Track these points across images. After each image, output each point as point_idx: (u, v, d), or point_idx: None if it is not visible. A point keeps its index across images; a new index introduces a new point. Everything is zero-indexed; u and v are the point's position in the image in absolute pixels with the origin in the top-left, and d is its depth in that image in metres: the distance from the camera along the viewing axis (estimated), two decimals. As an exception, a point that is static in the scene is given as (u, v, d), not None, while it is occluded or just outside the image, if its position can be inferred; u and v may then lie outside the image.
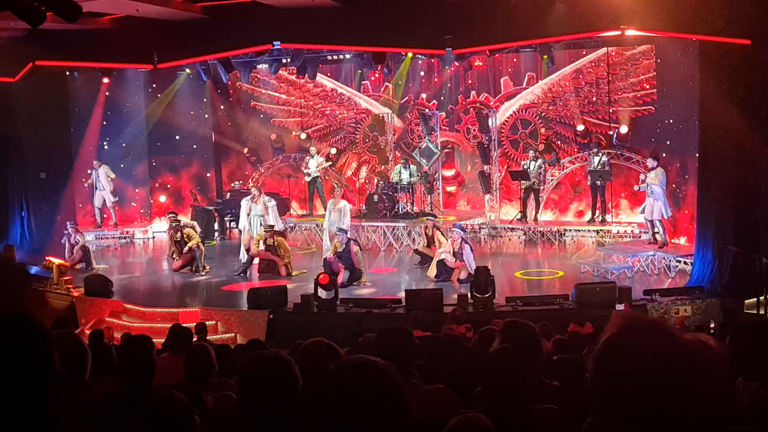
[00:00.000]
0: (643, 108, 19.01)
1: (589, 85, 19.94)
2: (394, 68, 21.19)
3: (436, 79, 21.88)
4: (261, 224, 17.36)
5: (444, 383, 4.76)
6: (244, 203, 17.94)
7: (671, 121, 17.06)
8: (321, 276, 14.05)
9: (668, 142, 17.21)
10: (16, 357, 2.12)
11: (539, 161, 19.66)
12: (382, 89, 22.44)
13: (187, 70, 21.82)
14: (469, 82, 21.40)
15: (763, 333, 4.48)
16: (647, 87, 18.91)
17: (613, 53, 19.38)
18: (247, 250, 17.23)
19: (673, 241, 16.57)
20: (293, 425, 2.93)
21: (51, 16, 10.95)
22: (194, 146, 23.01)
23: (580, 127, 19.77)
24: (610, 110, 19.57)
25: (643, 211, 16.71)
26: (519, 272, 16.64)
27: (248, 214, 17.68)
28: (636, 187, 17.22)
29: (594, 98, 19.89)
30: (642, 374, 1.82)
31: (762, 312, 11.43)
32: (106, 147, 21.57)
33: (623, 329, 1.93)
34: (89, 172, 20.92)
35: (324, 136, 23.08)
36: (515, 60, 20.63)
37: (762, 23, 12.87)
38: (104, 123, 21.55)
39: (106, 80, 20.68)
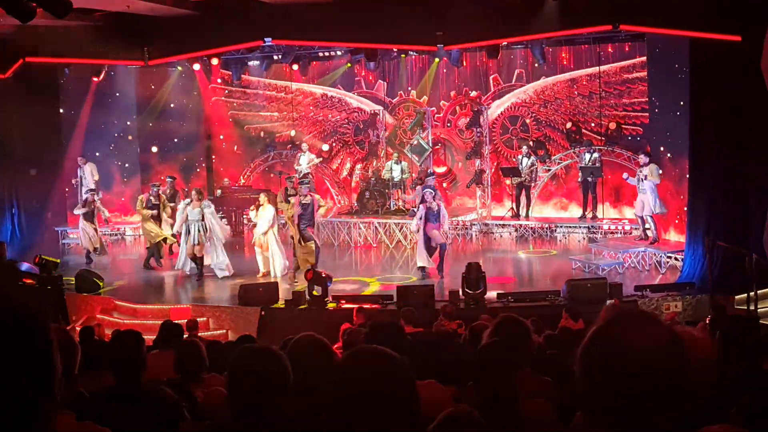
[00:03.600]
0: (632, 128, 19.12)
1: (582, 96, 19.98)
2: (383, 65, 21.25)
3: (426, 76, 21.86)
4: (199, 230, 16.06)
5: (435, 378, 4.77)
6: (182, 207, 16.57)
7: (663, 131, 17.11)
8: (307, 272, 14.06)
9: (661, 148, 17.26)
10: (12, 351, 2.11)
11: (532, 158, 19.70)
12: (381, 88, 22.41)
13: (179, 68, 21.78)
14: (461, 78, 21.40)
15: (751, 327, 4.51)
16: (639, 109, 19.04)
17: (612, 73, 19.45)
18: (193, 258, 16.29)
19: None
20: (285, 419, 2.94)
21: (41, 12, 10.92)
22: (186, 143, 22.96)
23: (569, 125, 19.82)
24: (600, 122, 19.65)
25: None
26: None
27: (186, 219, 16.32)
28: (626, 177, 17.28)
29: (585, 111, 19.94)
30: (630, 364, 1.82)
31: (752, 308, 11.46)
32: (96, 144, 21.49)
33: (611, 321, 1.93)
34: (77, 168, 20.83)
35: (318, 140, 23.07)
36: (508, 56, 20.62)
37: (752, 20, 12.90)
38: (95, 120, 21.48)
39: (95, 79, 20.65)
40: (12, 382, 2.06)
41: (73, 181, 20.89)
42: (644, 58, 18.24)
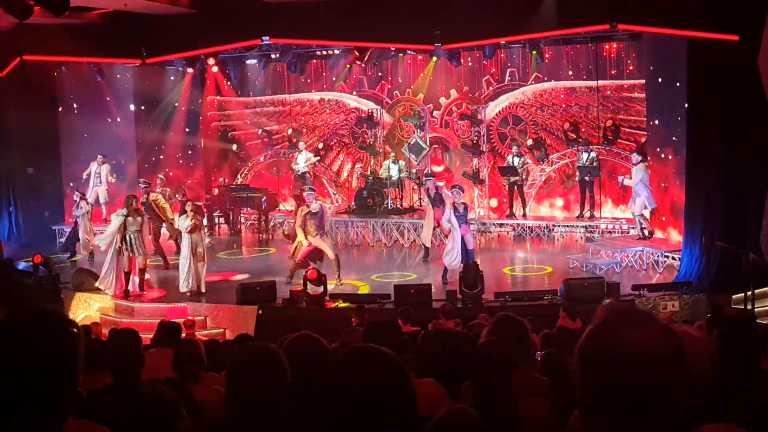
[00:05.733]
0: (627, 143, 19.13)
1: (579, 106, 19.96)
2: (381, 64, 21.26)
3: (423, 74, 21.81)
4: (134, 242, 15.06)
5: (433, 377, 4.77)
6: (117, 219, 15.09)
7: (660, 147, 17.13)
8: (309, 271, 14.04)
9: (658, 148, 17.28)
10: (36, 356, 2.10)
11: (523, 157, 19.72)
12: (378, 87, 22.40)
13: (180, 69, 21.73)
14: (459, 77, 21.38)
15: (748, 327, 4.52)
16: (635, 126, 19.07)
17: (611, 88, 19.46)
18: (128, 274, 15.22)
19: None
20: (282, 417, 2.94)
21: (39, 10, 10.90)
22: (182, 140, 22.94)
23: (566, 125, 19.82)
24: (597, 133, 19.66)
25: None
26: (507, 268, 16.62)
27: (125, 231, 15.01)
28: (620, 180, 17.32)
29: (582, 120, 19.93)
30: (627, 363, 1.82)
31: (749, 307, 11.47)
32: (93, 143, 21.43)
33: (608, 319, 1.93)
34: (92, 163, 20.70)
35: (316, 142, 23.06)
36: (503, 55, 20.60)
37: (749, 18, 12.91)
38: (92, 118, 21.45)
39: (99, 79, 20.66)
40: (36, 388, 2.07)
41: (84, 174, 20.71)
42: (643, 81, 18.21)
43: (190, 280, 14.81)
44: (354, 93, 22.35)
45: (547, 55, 19.66)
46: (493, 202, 20.85)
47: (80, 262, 17.82)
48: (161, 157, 22.54)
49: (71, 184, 20.77)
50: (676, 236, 16.07)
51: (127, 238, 15.02)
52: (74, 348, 2.16)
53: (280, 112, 23.22)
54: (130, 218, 15.00)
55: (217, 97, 23.51)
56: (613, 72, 19.36)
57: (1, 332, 2.12)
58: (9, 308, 2.28)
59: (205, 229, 15.27)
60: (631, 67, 19.10)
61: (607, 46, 19.42)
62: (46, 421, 2.08)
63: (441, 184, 19.17)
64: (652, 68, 17.31)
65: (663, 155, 16.64)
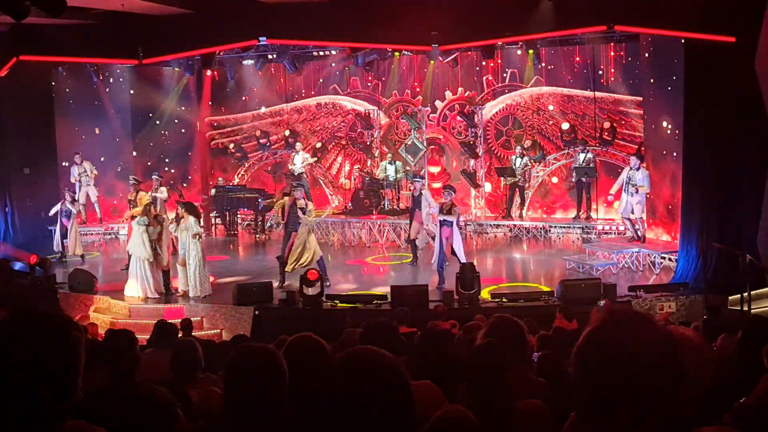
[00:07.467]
0: (621, 154, 19.09)
1: (575, 114, 19.95)
2: (378, 64, 21.25)
3: (418, 77, 21.82)
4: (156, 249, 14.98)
5: (430, 378, 4.76)
6: (140, 230, 14.83)
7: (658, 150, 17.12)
8: (309, 272, 14.02)
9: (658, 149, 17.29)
10: (35, 358, 2.09)
11: (525, 158, 19.71)
12: (375, 87, 22.38)
13: (177, 69, 21.67)
14: (456, 77, 21.38)
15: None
16: (629, 140, 19.09)
17: (609, 101, 19.43)
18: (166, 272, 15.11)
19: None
20: (280, 418, 2.93)
21: (35, 11, 10.89)
22: (180, 141, 22.92)
23: (565, 125, 19.80)
24: (594, 135, 19.67)
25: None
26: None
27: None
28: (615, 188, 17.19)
29: (578, 123, 19.92)
30: (624, 365, 1.82)
31: (745, 309, 11.48)
32: (90, 144, 21.43)
33: (606, 321, 1.93)
34: (72, 167, 20.75)
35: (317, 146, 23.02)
36: (501, 56, 20.59)
37: (745, 21, 12.92)
38: (89, 118, 21.44)
39: (96, 79, 20.64)
40: (36, 391, 2.06)
41: (73, 179, 20.78)
42: (640, 98, 18.20)
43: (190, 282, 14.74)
44: (350, 92, 22.36)
45: (543, 58, 19.67)
46: (488, 186, 20.77)
47: (72, 263, 17.78)
48: (160, 156, 22.54)
49: (71, 180, 20.80)
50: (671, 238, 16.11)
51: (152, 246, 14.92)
52: (76, 350, 2.16)
53: (278, 122, 23.22)
54: (150, 228, 14.83)
55: (211, 106, 23.50)
56: (610, 82, 19.38)
57: (2, 333, 2.12)
58: (6, 309, 2.28)
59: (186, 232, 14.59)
60: (623, 92, 19.10)
61: (603, 68, 19.41)
62: (46, 423, 2.08)
63: (434, 186, 19.20)
64: (648, 69, 17.33)
65: (659, 157, 16.63)
